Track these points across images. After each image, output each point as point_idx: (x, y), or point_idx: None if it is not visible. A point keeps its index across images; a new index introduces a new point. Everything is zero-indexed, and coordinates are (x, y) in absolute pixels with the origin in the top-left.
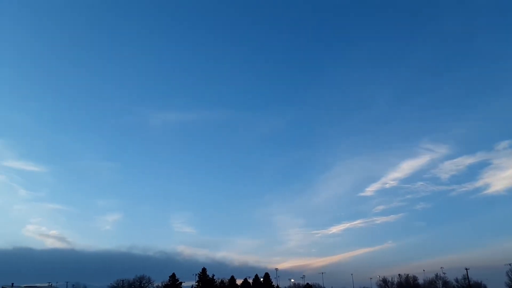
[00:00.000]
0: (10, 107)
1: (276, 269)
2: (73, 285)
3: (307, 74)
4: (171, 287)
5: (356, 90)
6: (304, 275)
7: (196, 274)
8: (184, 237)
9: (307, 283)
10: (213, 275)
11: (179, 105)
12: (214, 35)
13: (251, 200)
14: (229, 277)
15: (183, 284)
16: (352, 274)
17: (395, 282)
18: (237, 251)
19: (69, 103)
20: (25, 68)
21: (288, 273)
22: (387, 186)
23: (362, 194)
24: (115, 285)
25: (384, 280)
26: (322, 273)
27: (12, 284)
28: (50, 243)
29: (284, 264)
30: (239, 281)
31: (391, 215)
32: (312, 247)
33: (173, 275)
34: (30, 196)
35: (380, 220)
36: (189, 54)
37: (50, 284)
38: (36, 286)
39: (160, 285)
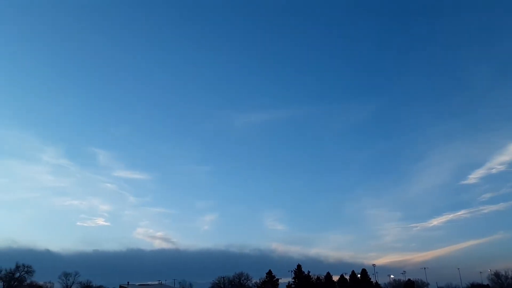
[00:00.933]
0: (115, 122)
1: (374, 265)
2: (179, 282)
3: (388, 59)
4: (268, 284)
5: (448, 70)
6: (404, 271)
7: (291, 271)
8: (277, 235)
9: (409, 279)
10: (309, 272)
11: (260, 105)
12: (290, 31)
13: (340, 195)
14: (324, 274)
15: (279, 280)
16: (458, 269)
17: (509, 276)
18: (331, 247)
19: (161, 111)
20: (126, 85)
21: (386, 269)
22: (494, 171)
23: (464, 182)
24: (217, 282)
25: (497, 274)
26: (425, 268)
27: (128, 282)
28: (158, 244)
29: (381, 259)
30: (335, 278)
31: (501, 203)
32: (411, 241)
33: (270, 272)
34: (138, 201)
35: (487, 209)
36: (265, 54)
37: (160, 282)
38: (148, 284)
39: (258, 281)
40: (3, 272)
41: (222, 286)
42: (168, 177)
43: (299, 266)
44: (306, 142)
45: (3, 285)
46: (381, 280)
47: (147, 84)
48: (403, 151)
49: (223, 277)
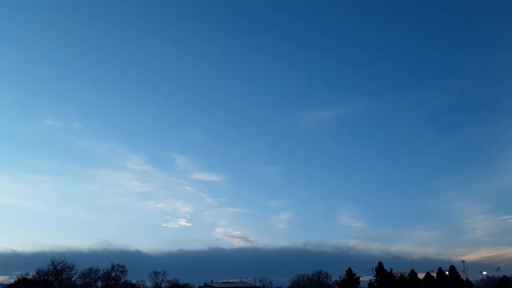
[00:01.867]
0: (191, 128)
1: (463, 261)
2: (259, 280)
3: (472, 36)
4: (349, 282)
5: None
6: (498, 267)
7: (372, 269)
8: (354, 231)
9: (504, 276)
10: (391, 269)
11: (328, 99)
12: (354, 21)
13: (420, 188)
14: (408, 271)
15: (360, 278)
16: None
17: None
18: (414, 244)
19: (231, 114)
20: (197, 90)
21: (477, 265)
22: None
23: None
24: (296, 279)
25: None
26: None
27: (212, 280)
28: (236, 243)
29: (471, 255)
30: (420, 275)
31: None
32: (505, 235)
33: (350, 270)
34: (216, 202)
35: None
36: (331, 44)
37: (241, 279)
38: (230, 282)
39: (338, 280)
40: (101, 272)
41: (301, 284)
42: (241, 177)
43: (380, 264)
44: (380, 134)
45: (102, 284)
46: (472, 277)
47: (217, 88)
48: (490, 137)
49: (302, 275)
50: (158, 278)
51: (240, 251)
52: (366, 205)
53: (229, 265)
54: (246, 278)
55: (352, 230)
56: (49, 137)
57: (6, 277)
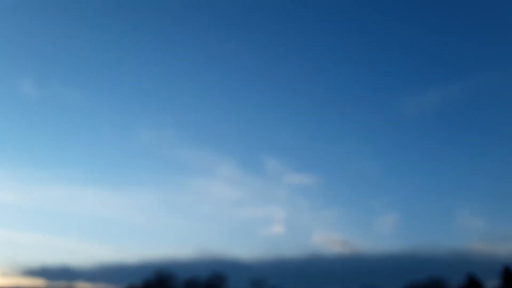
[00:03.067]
0: (280, 129)
1: None
2: None
3: None
4: None
5: None
6: None
7: (498, 274)
8: (475, 231)
9: None
10: None
11: (434, 82)
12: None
13: None
14: None
15: (483, 285)
16: None
17: None
18: None
19: (323, 109)
20: (286, 87)
21: None
22: None
23: None
24: (409, 287)
25: None
26: None
27: None
28: (336, 248)
29: None
30: None
31: None
32: None
33: (471, 275)
34: (312, 205)
35: None
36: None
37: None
38: None
39: (457, 287)
40: (202, 281)
41: None
42: (338, 177)
43: (507, 269)
44: (505, 115)
45: None
46: None
47: (306, 83)
48: None
49: (414, 283)
50: (258, 286)
51: (341, 257)
52: (489, 200)
53: (329, 272)
54: (349, 286)
55: (472, 230)
56: (145, 149)
57: (116, 286)
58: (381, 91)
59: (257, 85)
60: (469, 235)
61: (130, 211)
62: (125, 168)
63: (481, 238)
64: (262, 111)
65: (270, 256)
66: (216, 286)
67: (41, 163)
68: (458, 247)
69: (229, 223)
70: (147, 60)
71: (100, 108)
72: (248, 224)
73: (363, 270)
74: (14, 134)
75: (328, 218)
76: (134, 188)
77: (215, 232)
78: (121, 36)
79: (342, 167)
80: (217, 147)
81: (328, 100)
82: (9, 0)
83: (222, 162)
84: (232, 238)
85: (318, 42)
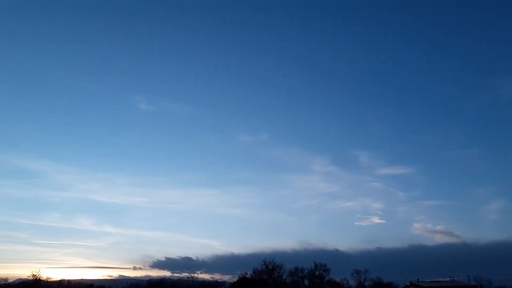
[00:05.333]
0: (371, 122)
1: None
2: (474, 278)
3: None
4: None
5: None
6: None
7: None
8: None
9: None
10: None
11: None
12: None
13: None
14: None
15: None
16: None
17: None
18: None
19: (413, 97)
20: (369, 80)
21: None
22: None
23: None
24: None
25: None
26: None
27: (418, 279)
28: (439, 238)
29: None
30: None
31: None
32: None
33: None
34: (408, 196)
35: None
36: None
37: (451, 278)
38: (439, 281)
39: None
40: (306, 271)
41: None
42: (434, 166)
43: None
44: None
45: (309, 282)
46: None
47: (392, 73)
48: None
49: None
50: (360, 277)
51: (446, 247)
52: None
53: (433, 263)
54: (458, 276)
55: None
56: (244, 151)
57: (230, 276)
58: (477, 73)
59: (342, 82)
60: None
61: (237, 208)
62: (229, 170)
63: None
64: (351, 107)
65: (370, 247)
66: (320, 276)
67: (160, 169)
68: None
69: (327, 216)
70: (242, 74)
71: (203, 118)
72: (345, 216)
73: (469, 260)
74: (134, 145)
75: (427, 208)
76: (239, 187)
77: (314, 224)
78: (218, 57)
79: (438, 157)
80: (310, 145)
81: (416, 88)
82: (124, 36)
83: (316, 159)
84: (331, 230)
85: (405, 28)
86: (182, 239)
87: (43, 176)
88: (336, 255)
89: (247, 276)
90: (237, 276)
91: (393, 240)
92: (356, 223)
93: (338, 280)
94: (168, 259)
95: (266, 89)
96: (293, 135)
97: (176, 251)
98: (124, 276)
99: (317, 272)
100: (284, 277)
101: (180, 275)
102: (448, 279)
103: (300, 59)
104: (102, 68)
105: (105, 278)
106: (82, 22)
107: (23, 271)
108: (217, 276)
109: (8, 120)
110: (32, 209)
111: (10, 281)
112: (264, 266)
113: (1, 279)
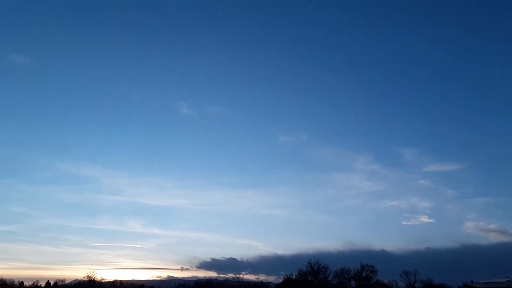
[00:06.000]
0: (414, 118)
1: None
2: None
3: None
4: None
5: None
6: None
7: None
8: None
9: None
10: None
11: None
12: None
13: None
14: None
15: None
16: None
17: None
18: None
19: (461, 89)
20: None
21: None
22: None
23: None
24: None
25: None
26: None
27: (472, 280)
28: (494, 237)
29: None
30: None
31: None
32: None
33: None
34: (458, 194)
35: None
36: None
37: (508, 279)
38: (495, 282)
39: None
40: (352, 272)
41: None
42: (485, 162)
43: None
44: None
45: (355, 284)
46: None
47: (435, 66)
48: None
49: None
50: (410, 278)
51: (501, 246)
52: None
53: (488, 263)
54: None
55: None
56: (283, 151)
57: (275, 277)
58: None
59: (383, 77)
60: None
61: (278, 208)
62: (268, 171)
63: None
64: (394, 103)
65: (419, 247)
66: (367, 277)
67: (202, 172)
68: None
69: (371, 216)
70: (279, 75)
71: (243, 120)
72: (391, 216)
73: None
74: (178, 149)
75: (479, 206)
76: (279, 188)
77: (359, 224)
78: (256, 58)
79: (488, 152)
80: (352, 144)
81: (465, 81)
82: (162, 44)
83: (358, 157)
84: (376, 230)
85: (455, 21)
86: (225, 240)
87: (95, 181)
88: (383, 255)
89: (292, 277)
90: (282, 277)
91: (443, 239)
92: (403, 222)
93: (386, 281)
94: (213, 260)
95: (304, 88)
96: (333, 133)
97: (221, 252)
98: (172, 276)
99: (364, 273)
100: (329, 278)
101: (226, 276)
102: (505, 280)
103: (338, 55)
104: (145, 77)
105: (155, 278)
106: (128, 36)
107: (79, 273)
108: (262, 277)
109: (62, 129)
110: (85, 213)
111: (67, 282)
112: (309, 267)
113: (59, 280)
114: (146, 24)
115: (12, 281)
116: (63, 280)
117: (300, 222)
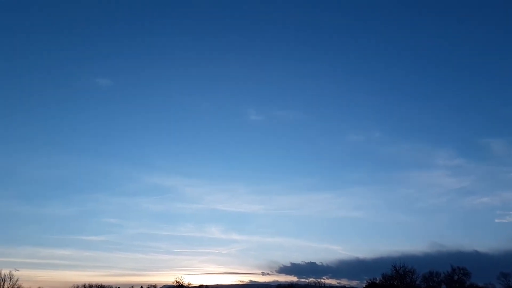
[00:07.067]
0: (502, 104)
1: None
2: None
3: None
4: None
5: None
6: None
7: None
8: None
9: None
10: None
11: None
12: None
13: None
14: None
15: None
16: None
17: None
18: None
19: None
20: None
21: None
22: None
23: None
24: None
25: None
26: None
27: None
28: None
29: None
30: None
31: None
32: None
33: None
34: None
35: None
36: None
37: None
38: None
39: None
40: (442, 276)
41: None
42: None
43: None
44: None
45: None
46: None
47: None
48: None
49: None
50: (509, 281)
51: None
52: None
53: None
54: None
55: None
56: (355, 151)
57: (357, 281)
58: None
59: (463, 63)
60: None
61: (355, 210)
62: (342, 172)
63: None
64: (476, 90)
65: None
66: (459, 280)
67: (275, 176)
68: None
69: (459, 214)
70: (346, 72)
71: (311, 121)
72: (482, 214)
73: None
74: (250, 155)
75: None
76: (354, 189)
77: (445, 224)
78: (319, 57)
79: None
80: (431, 138)
81: None
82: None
83: (438, 152)
84: (466, 229)
85: None
86: (303, 244)
87: (175, 191)
88: (475, 257)
89: (376, 281)
90: (365, 281)
91: None
92: (496, 220)
93: (481, 285)
94: (293, 264)
95: (372, 84)
96: (409, 128)
97: (300, 256)
98: (254, 281)
99: (456, 277)
100: (417, 282)
101: (307, 280)
102: None
103: (407, 45)
104: (214, 86)
105: (238, 283)
106: (195, 47)
107: (167, 278)
108: (344, 282)
109: (144, 144)
110: (169, 221)
111: (158, 287)
112: (394, 271)
113: (151, 285)
114: (215, 35)
115: (110, 287)
116: (154, 286)
117: (381, 224)
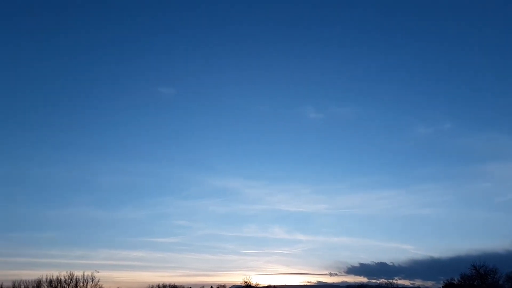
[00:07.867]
0: None
1: None
2: None
3: None
4: None
5: None
6: None
7: None
8: None
9: None
10: None
11: None
12: None
13: None
14: None
15: None
16: None
17: None
18: None
19: None
20: None
21: None
22: None
23: None
24: None
25: None
26: None
27: None
28: None
29: None
30: None
31: None
32: None
33: None
34: None
35: None
36: None
37: None
38: None
39: None
40: None
41: None
42: None
43: None
44: None
45: None
46: None
47: None
48: None
49: None
50: None
51: None
52: None
53: None
54: None
55: None
56: (423, 145)
57: (433, 282)
58: None
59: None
60: None
61: (426, 207)
62: (409, 168)
63: None
64: None
65: None
66: None
67: (337, 175)
68: None
69: None
70: (410, 65)
71: (373, 117)
72: None
73: None
74: (310, 154)
75: None
76: (424, 185)
77: None
78: (378, 52)
79: None
80: (509, 126)
81: None
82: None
83: None
84: None
85: None
86: (371, 243)
87: (238, 193)
88: None
89: (454, 281)
90: (441, 282)
91: None
92: None
93: None
94: (361, 264)
95: (440, 73)
96: (483, 118)
97: (369, 256)
98: (322, 282)
99: None
100: (500, 282)
101: (377, 281)
102: None
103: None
104: (272, 87)
105: (305, 284)
106: (253, 49)
107: (235, 278)
108: (418, 282)
109: (206, 148)
110: (233, 222)
111: (227, 287)
112: (474, 271)
113: (220, 285)
114: (271, 36)
115: (182, 287)
116: (224, 286)
117: (455, 221)
